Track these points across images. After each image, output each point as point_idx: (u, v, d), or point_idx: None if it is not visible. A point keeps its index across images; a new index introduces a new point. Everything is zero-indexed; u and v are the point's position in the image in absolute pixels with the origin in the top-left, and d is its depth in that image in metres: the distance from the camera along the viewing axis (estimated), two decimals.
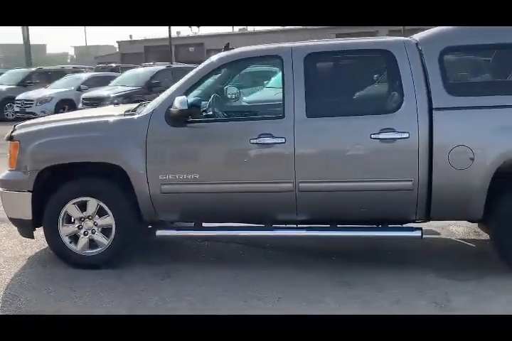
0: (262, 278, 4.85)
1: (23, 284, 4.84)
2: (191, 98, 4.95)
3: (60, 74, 21.25)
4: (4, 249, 5.71)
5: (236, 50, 5.11)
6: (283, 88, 4.82)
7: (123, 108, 5.73)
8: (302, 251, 5.49)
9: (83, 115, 5.77)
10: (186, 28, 64.30)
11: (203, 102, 4.99)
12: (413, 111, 4.63)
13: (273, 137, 4.76)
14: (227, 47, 5.22)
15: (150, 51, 51.06)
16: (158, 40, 46.53)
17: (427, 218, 4.87)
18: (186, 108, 4.70)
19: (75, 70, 22.94)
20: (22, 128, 5.37)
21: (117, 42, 58.31)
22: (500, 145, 4.57)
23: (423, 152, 4.62)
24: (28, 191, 5.10)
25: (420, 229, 4.84)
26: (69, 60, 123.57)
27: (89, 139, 5.04)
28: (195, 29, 49.87)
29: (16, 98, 18.68)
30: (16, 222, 5.29)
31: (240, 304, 4.37)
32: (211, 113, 5.02)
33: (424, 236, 4.86)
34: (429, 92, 4.65)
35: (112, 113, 5.33)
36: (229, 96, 5.31)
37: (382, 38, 5.21)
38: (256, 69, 6.02)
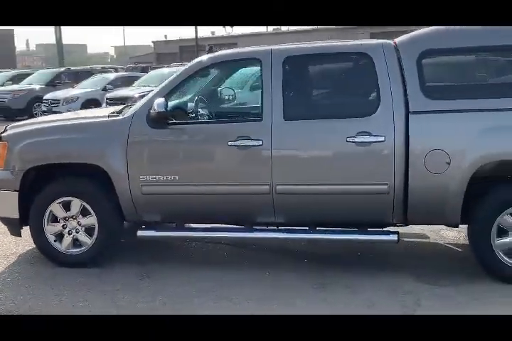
0: (241, 280, 4.88)
1: (6, 281, 4.96)
2: (172, 100, 5.02)
3: (88, 74, 21.58)
4: None
5: (217, 53, 5.15)
6: (261, 90, 4.84)
7: (113, 109, 5.80)
8: (286, 253, 5.51)
9: (72, 116, 5.87)
10: (220, 28, 64.58)
11: (184, 104, 5.04)
12: (389, 115, 4.61)
13: (251, 139, 4.78)
14: (210, 50, 5.26)
15: (184, 51, 51.50)
16: (192, 40, 46.91)
17: (405, 222, 4.84)
18: (163, 110, 4.75)
19: (103, 70, 23.26)
20: (12, 129, 5.49)
21: (153, 42, 58.92)
22: (477, 150, 4.51)
23: (399, 156, 4.59)
24: (15, 190, 5.22)
25: (397, 233, 4.81)
26: (109, 60, 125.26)
27: (72, 140, 5.14)
28: (228, 29, 50.09)
29: (44, 97, 19.03)
30: (5, 220, 5.42)
31: (210, 304, 4.42)
32: (192, 115, 5.07)
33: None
34: (406, 96, 4.62)
35: (99, 114, 5.42)
36: (210, 98, 5.35)
37: (362, 40, 5.18)
38: (241, 71, 6.01)
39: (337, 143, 4.71)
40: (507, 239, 4.62)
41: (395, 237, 4.77)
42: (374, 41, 4.91)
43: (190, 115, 5.08)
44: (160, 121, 4.89)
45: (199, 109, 5.19)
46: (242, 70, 5.59)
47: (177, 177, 4.95)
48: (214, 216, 5.11)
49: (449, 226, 5.00)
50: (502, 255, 4.63)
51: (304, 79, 5.01)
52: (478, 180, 4.57)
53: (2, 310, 4.36)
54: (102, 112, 5.62)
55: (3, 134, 5.37)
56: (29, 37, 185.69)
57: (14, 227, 5.38)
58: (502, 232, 4.64)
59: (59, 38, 33.44)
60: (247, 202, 4.92)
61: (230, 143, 4.81)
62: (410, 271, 5.00)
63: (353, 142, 4.64)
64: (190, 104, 5.15)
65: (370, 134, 4.61)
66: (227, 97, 5.39)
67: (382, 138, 4.60)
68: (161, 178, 4.97)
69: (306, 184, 4.78)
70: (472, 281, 4.72)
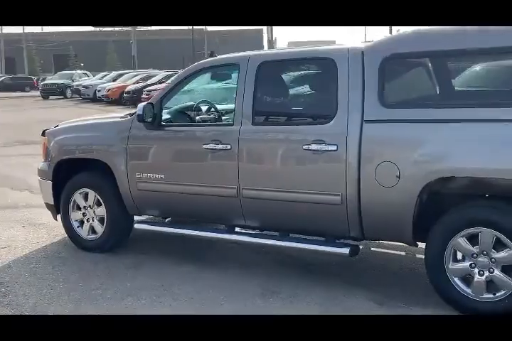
0: (198, 277, 5.08)
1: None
2: (168, 103, 5.35)
3: None
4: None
5: (207, 59, 5.35)
6: (235, 95, 4.96)
7: None
8: (267, 255, 5.52)
9: (102, 116, 6.46)
10: None
11: (167, 108, 5.33)
12: (344, 123, 4.44)
13: (221, 143, 4.93)
14: (211, 55, 5.48)
15: None
16: None
17: (362, 236, 4.61)
18: (141, 113, 5.11)
19: None
20: (60, 126, 6.26)
21: None
22: (427, 164, 4.16)
23: (351, 167, 4.41)
24: (50, 180, 5.98)
25: (350, 246, 4.61)
26: None
27: (85, 138, 5.76)
28: None
29: None
30: (47, 205, 6.21)
31: (152, 298, 4.69)
32: (177, 118, 5.35)
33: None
34: (363, 103, 4.41)
35: (119, 115, 5.95)
36: (194, 102, 5.56)
37: (332, 45, 4.98)
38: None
39: (295, 151, 4.65)
40: (462, 265, 4.18)
41: (346, 251, 4.57)
42: (343, 46, 4.71)
43: (174, 118, 5.34)
44: (149, 123, 5.24)
45: (182, 112, 5.43)
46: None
47: (163, 176, 5.28)
48: (196, 215, 5.35)
49: (406, 244, 4.62)
50: (457, 281, 4.21)
51: (273, 85, 5.00)
52: (429, 196, 4.22)
53: None
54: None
55: (46, 130, 6.15)
56: None
57: (52, 212, 6.14)
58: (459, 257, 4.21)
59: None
60: (219, 204, 5.08)
61: (204, 146, 5.01)
62: (368, 287, 4.78)
63: (309, 150, 4.55)
64: (177, 108, 5.43)
65: (324, 143, 4.49)
66: (209, 101, 5.55)
67: (334, 148, 4.45)
68: (151, 176, 5.34)
69: (268, 189, 4.79)
70: (425, 306, 4.34)
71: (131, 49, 62.37)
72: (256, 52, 5.11)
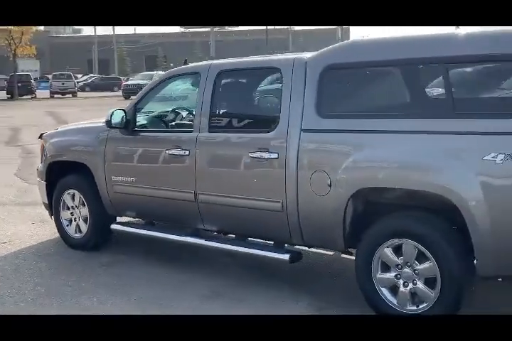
0: (155, 279, 5.28)
1: None
2: (141, 109, 5.59)
3: None
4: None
5: (176, 68, 5.54)
6: (197, 103, 5.13)
7: None
8: (237, 259, 5.57)
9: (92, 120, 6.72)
10: None
11: (134, 114, 5.54)
12: (284, 132, 4.52)
13: (182, 149, 5.12)
14: (185, 63, 5.67)
15: None
16: None
17: (303, 243, 4.68)
18: (109, 119, 5.37)
19: None
20: (57, 129, 6.64)
21: None
22: (353, 174, 4.19)
23: (290, 175, 4.49)
24: (44, 181, 6.36)
25: (291, 252, 4.68)
26: None
27: (73, 142, 6.08)
28: None
29: None
30: (44, 204, 6.60)
31: (106, 297, 4.93)
32: (146, 124, 5.57)
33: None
34: (302, 113, 4.48)
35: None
36: (161, 109, 5.75)
37: (283, 55, 5.03)
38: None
39: (243, 158, 4.77)
40: (388, 275, 4.18)
41: (286, 257, 4.65)
42: (291, 56, 4.78)
43: (144, 124, 5.56)
44: (123, 128, 5.50)
45: (151, 119, 5.64)
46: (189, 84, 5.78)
47: (134, 179, 5.53)
48: (163, 218, 5.58)
49: (340, 252, 4.64)
50: (384, 291, 4.21)
51: (228, 94, 5.13)
52: (365, 207, 4.26)
53: None
54: None
55: (44, 133, 6.54)
56: None
57: (48, 211, 6.52)
58: (386, 267, 4.21)
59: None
60: (181, 208, 5.27)
61: (167, 152, 5.21)
62: (314, 292, 4.85)
63: (254, 157, 4.66)
64: (153, 114, 5.64)
65: (267, 151, 4.59)
66: (171, 108, 5.73)
67: (276, 156, 4.55)
68: (125, 179, 5.60)
69: (220, 195, 4.94)
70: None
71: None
72: (217, 61, 5.26)
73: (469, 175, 3.70)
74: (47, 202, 6.41)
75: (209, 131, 4.99)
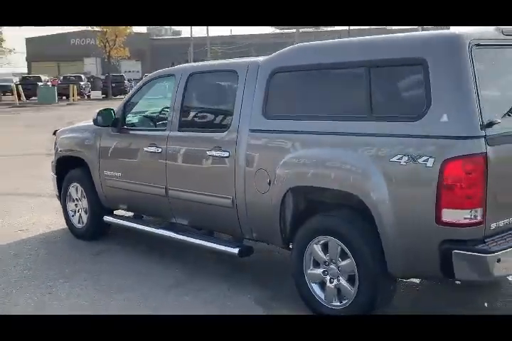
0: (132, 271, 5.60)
1: None
2: (129, 109, 5.98)
3: None
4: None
5: (158, 70, 5.88)
6: (170, 103, 5.45)
7: None
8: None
9: None
10: None
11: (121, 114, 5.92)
12: (235, 132, 4.76)
13: (156, 147, 5.47)
14: (172, 65, 6.00)
15: None
16: None
17: (255, 239, 4.89)
18: (95, 118, 5.79)
19: None
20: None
21: None
22: (286, 173, 4.37)
23: (238, 173, 4.73)
24: (55, 174, 6.89)
25: (240, 247, 4.90)
26: None
27: (75, 138, 6.55)
28: None
29: None
30: (56, 196, 7.13)
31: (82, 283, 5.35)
32: (133, 123, 5.94)
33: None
34: (251, 114, 4.70)
35: None
36: (145, 108, 6.08)
37: (244, 58, 5.22)
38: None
39: (202, 156, 5.04)
40: (317, 271, 4.34)
41: (235, 250, 4.88)
42: (248, 59, 4.99)
43: (129, 122, 5.92)
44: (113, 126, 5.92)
45: (135, 118, 5.99)
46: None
47: (119, 174, 5.93)
48: (144, 211, 5.95)
49: (280, 247, 4.79)
50: (314, 286, 4.37)
51: (196, 95, 5.39)
52: (298, 204, 4.45)
53: None
54: None
55: (57, 130, 7.06)
56: None
57: (60, 202, 7.05)
58: (316, 263, 4.37)
59: None
60: (156, 202, 5.61)
61: (145, 149, 5.57)
62: (267, 287, 5.02)
63: (210, 155, 4.93)
64: (142, 113, 6.00)
65: (220, 149, 4.85)
66: (153, 108, 6.04)
67: (227, 154, 4.80)
68: (113, 174, 6.01)
69: (185, 191, 5.24)
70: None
71: None
72: (191, 64, 5.55)
73: (378, 175, 3.81)
74: (58, 193, 6.93)
75: (178, 130, 5.30)
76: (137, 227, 5.91)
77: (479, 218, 3.55)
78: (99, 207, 6.37)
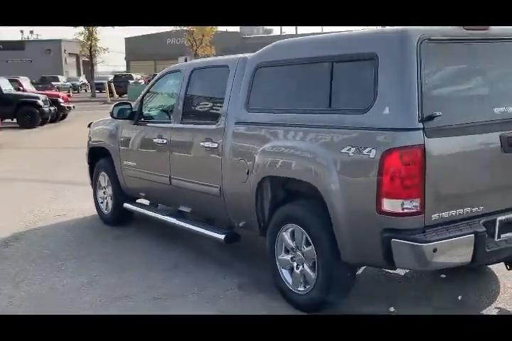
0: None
1: None
2: (146, 102, 6.37)
3: None
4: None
5: (169, 67, 6.22)
6: (175, 97, 5.79)
7: None
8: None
9: None
10: None
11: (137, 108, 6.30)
12: (223, 124, 5.03)
13: (162, 138, 5.82)
14: (185, 61, 6.33)
15: None
16: None
17: (241, 227, 5.12)
18: (111, 111, 6.21)
19: None
20: None
21: None
22: (259, 163, 4.59)
23: (224, 163, 4.99)
24: (88, 163, 7.41)
25: (226, 233, 5.15)
26: None
27: (102, 130, 7.01)
28: None
29: None
30: (90, 184, 7.63)
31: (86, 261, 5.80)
32: (148, 115, 6.30)
33: None
34: (237, 107, 4.95)
35: None
36: (156, 102, 6.41)
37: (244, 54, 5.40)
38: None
39: (196, 147, 5.34)
40: (286, 257, 4.54)
41: (221, 237, 5.14)
42: (242, 55, 5.22)
43: (146, 115, 6.29)
44: (128, 118, 6.33)
45: (149, 111, 6.34)
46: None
47: (135, 164, 6.33)
48: (155, 199, 6.30)
49: (259, 235, 4.98)
50: (284, 272, 4.57)
51: (196, 89, 5.67)
52: (272, 193, 4.67)
53: None
54: None
55: (91, 123, 7.56)
56: None
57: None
58: (286, 249, 4.57)
59: None
60: (162, 190, 5.97)
61: (154, 140, 5.94)
62: (250, 275, 5.24)
63: (203, 147, 5.23)
64: (151, 107, 6.37)
65: (211, 141, 5.13)
66: (164, 101, 6.35)
67: (215, 145, 5.07)
68: (130, 163, 6.42)
69: (184, 180, 5.56)
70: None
71: None
72: (196, 60, 5.85)
73: (331, 166, 3.97)
74: (91, 182, 7.43)
75: (180, 122, 5.62)
76: (148, 214, 6.28)
77: (418, 208, 3.64)
78: (121, 195, 6.79)
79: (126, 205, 6.67)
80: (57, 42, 61.34)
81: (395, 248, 3.67)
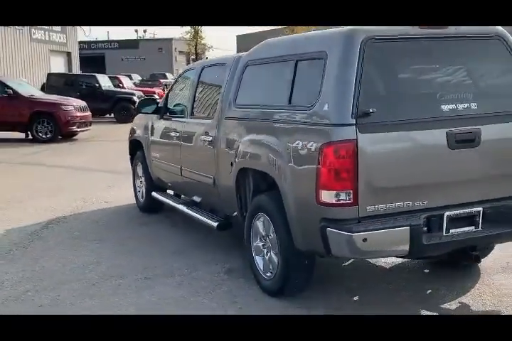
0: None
1: None
2: (170, 99, 6.83)
3: None
4: None
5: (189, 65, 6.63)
6: (188, 93, 6.22)
7: None
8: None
9: None
10: None
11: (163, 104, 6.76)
12: (217, 119, 5.40)
13: (176, 132, 6.28)
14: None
15: None
16: None
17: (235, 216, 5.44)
18: (136, 106, 6.71)
19: None
20: None
21: None
22: (237, 156, 4.90)
23: (217, 155, 5.36)
24: (130, 155, 7.99)
25: (219, 221, 5.49)
26: None
27: (138, 125, 7.55)
28: None
29: None
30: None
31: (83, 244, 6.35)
32: (173, 111, 6.72)
33: None
34: (229, 103, 5.30)
35: None
36: (177, 98, 6.79)
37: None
38: None
39: (198, 140, 5.73)
40: (259, 244, 4.84)
41: (214, 224, 5.49)
42: (240, 53, 5.53)
43: (171, 111, 6.70)
44: (155, 114, 6.83)
45: (179, 107, 6.68)
46: None
47: (158, 155, 6.82)
48: (176, 189, 6.76)
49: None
50: (257, 258, 4.87)
51: (202, 85, 6.04)
52: (249, 184, 4.97)
53: None
54: None
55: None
56: None
57: None
58: (260, 237, 4.86)
59: None
60: (177, 181, 6.41)
61: (171, 134, 6.40)
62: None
63: (202, 140, 5.62)
64: (176, 103, 6.79)
65: (208, 134, 5.51)
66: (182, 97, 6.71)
67: (211, 138, 5.45)
68: (155, 155, 6.92)
69: (191, 171, 5.97)
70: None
71: None
72: (209, 59, 6.23)
73: (284, 158, 4.23)
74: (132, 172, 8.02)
75: (190, 117, 6.04)
76: (167, 202, 6.75)
77: (352, 200, 3.84)
78: (151, 185, 7.30)
79: (154, 194, 7.16)
80: (169, 40, 63.66)
81: (330, 237, 3.88)
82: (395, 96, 4.00)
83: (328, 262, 5.19)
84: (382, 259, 5.29)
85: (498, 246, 5.31)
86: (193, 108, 6.03)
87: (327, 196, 3.87)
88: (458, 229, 4.08)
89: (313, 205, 3.97)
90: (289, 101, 4.38)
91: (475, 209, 4.11)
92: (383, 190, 3.91)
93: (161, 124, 6.79)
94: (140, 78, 42.48)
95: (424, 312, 4.36)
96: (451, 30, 4.17)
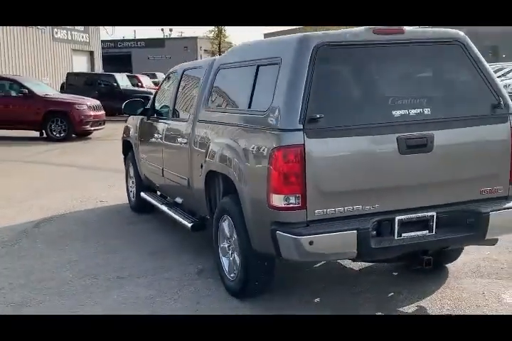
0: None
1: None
2: (158, 100, 6.95)
3: None
4: None
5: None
6: (170, 95, 6.33)
7: None
8: None
9: None
10: None
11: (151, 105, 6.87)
12: (191, 122, 5.50)
13: (158, 133, 6.39)
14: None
15: None
16: None
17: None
18: (122, 107, 6.84)
19: None
20: None
21: None
22: (206, 158, 4.99)
23: (190, 158, 5.45)
24: (123, 154, 8.13)
25: (194, 222, 5.58)
26: None
27: (128, 125, 7.70)
28: None
29: None
30: None
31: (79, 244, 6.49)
32: (158, 112, 6.83)
33: None
34: (201, 106, 5.40)
35: None
36: (163, 100, 6.89)
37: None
38: None
39: (176, 142, 5.83)
40: (225, 245, 4.92)
41: (189, 225, 5.58)
42: (215, 57, 5.62)
43: (157, 112, 6.81)
44: (140, 115, 6.96)
45: (163, 108, 6.78)
46: None
47: (145, 156, 6.95)
48: (161, 191, 6.87)
49: None
50: (223, 259, 4.95)
51: (182, 88, 6.12)
52: (218, 187, 5.06)
53: None
54: None
55: None
56: None
57: None
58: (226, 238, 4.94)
59: None
60: (159, 181, 6.53)
61: (155, 135, 6.52)
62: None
63: (179, 142, 5.73)
64: (161, 105, 6.90)
65: (183, 137, 5.62)
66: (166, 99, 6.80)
67: (185, 141, 5.55)
68: (143, 156, 7.05)
69: (170, 172, 6.08)
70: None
71: None
72: (189, 62, 6.33)
73: (242, 162, 4.31)
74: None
75: (170, 119, 6.15)
76: (152, 202, 6.86)
77: (300, 203, 3.90)
78: (140, 185, 7.42)
79: (142, 194, 7.28)
80: (194, 39, 63.97)
81: (280, 240, 3.95)
82: (346, 102, 4.05)
83: (298, 264, 5.25)
84: (353, 262, 5.34)
85: (470, 249, 5.34)
86: (174, 110, 6.13)
87: (277, 200, 3.94)
88: (410, 233, 4.11)
89: (265, 209, 4.04)
90: (249, 106, 4.45)
91: (428, 213, 4.14)
92: (332, 194, 3.96)
93: (147, 125, 6.91)
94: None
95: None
96: (408, 35, 4.20)
